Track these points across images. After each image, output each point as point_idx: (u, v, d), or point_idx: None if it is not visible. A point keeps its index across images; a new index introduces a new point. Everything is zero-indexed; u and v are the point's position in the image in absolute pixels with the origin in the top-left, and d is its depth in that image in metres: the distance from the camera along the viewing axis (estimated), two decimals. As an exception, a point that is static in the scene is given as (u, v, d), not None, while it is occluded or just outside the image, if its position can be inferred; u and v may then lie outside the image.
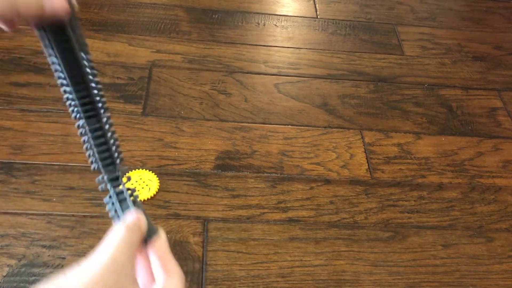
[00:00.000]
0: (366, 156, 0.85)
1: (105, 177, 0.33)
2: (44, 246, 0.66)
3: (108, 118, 0.32)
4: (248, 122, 0.87)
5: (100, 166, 0.33)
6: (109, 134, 0.32)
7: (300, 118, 0.90)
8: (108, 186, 0.33)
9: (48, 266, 0.65)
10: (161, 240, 0.34)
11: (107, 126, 0.32)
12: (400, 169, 0.84)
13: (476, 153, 0.89)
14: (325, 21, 1.13)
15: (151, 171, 0.76)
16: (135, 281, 0.29)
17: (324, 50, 1.05)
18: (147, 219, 0.33)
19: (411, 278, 0.70)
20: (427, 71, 1.04)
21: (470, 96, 1.00)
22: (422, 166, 0.85)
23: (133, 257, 0.30)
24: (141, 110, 0.86)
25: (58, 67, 0.30)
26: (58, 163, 0.76)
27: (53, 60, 0.30)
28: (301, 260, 0.70)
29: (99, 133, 0.32)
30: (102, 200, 0.31)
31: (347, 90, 0.97)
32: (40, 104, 0.84)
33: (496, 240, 0.76)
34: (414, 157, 0.86)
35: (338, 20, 1.13)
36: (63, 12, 0.29)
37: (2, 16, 0.27)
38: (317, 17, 1.13)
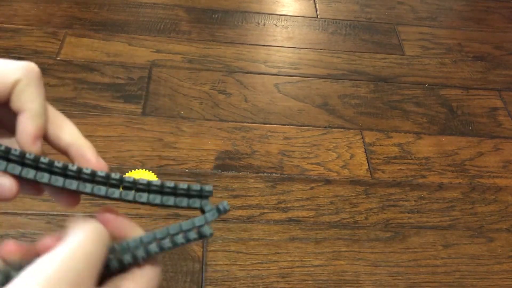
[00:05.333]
0: (366, 156, 0.85)
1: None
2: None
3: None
4: (248, 122, 0.87)
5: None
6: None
7: (300, 118, 0.90)
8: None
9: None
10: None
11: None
12: (400, 169, 0.84)
13: (477, 153, 0.89)
14: (325, 21, 1.12)
15: (151, 171, 0.76)
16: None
17: (324, 50, 1.05)
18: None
19: (412, 278, 0.70)
20: (427, 71, 1.04)
21: (470, 96, 1.00)
22: (423, 166, 0.85)
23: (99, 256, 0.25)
24: (141, 110, 0.86)
25: None
26: (58, 163, 0.75)
27: None
28: (301, 260, 0.70)
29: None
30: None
31: (347, 90, 0.97)
32: (39, 104, 0.83)
33: (497, 240, 0.76)
34: (415, 157, 0.86)
35: (338, 20, 1.13)
36: (10, 195, 0.25)
37: None
38: (317, 17, 1.13)
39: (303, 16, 1.13)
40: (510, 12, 1.24)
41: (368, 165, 0.84)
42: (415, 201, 0.80)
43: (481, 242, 0.76)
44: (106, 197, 0.28)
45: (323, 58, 1.03)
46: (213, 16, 1.09)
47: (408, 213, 0.78)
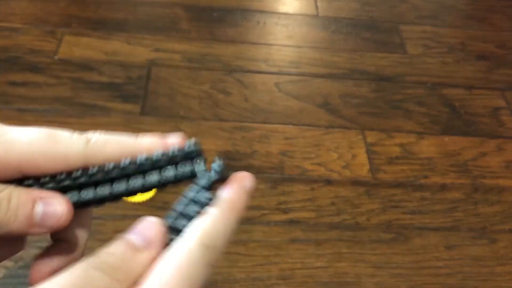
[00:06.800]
0: (368, 156, 0.84)
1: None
2: (42, 248, 0.66)
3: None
4: (248, 122, 0.86)
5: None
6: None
7: (301, 118, 0.89)
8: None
9: (45, 269, 0.64)
10: None
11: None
12: (402, 169, 0.83)
13: (479, 153, 0.88)
14: (326, 20, 1.11)
15: (149, 172, 0.75)
16: None
17: (325, 48, 1.04)
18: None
19: (414, 280, 0.69)
20: (429, 70, 1.03)
21: (473, 95, 0.99)
22: (425, 167, 0.84)
23: None
24: (140, 110, 0.85)
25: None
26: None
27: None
28: (302, 262, 0.69)
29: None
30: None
31: (349, 89, 0.96)
32: (37, 103, 0.83)
33: (500, 241, 0.75)
34: (417, 157, 0.85)
35: (340, 18, 1.12)
36: (61, 222, 0.21)
37: None
38: (318, 15, 1.12)
39: (304, 15, 1.12)
40: (513, 10, 1.23)
41: (370, 165, 0.83)
42: (417, 202, 0.79)
43: (484, 243, 0.75)
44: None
45: (324, 57, 1.02)
46: (213, 14, 1.08)
47: (410, 214, 0.77)
